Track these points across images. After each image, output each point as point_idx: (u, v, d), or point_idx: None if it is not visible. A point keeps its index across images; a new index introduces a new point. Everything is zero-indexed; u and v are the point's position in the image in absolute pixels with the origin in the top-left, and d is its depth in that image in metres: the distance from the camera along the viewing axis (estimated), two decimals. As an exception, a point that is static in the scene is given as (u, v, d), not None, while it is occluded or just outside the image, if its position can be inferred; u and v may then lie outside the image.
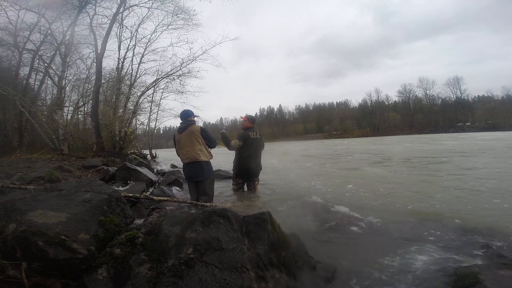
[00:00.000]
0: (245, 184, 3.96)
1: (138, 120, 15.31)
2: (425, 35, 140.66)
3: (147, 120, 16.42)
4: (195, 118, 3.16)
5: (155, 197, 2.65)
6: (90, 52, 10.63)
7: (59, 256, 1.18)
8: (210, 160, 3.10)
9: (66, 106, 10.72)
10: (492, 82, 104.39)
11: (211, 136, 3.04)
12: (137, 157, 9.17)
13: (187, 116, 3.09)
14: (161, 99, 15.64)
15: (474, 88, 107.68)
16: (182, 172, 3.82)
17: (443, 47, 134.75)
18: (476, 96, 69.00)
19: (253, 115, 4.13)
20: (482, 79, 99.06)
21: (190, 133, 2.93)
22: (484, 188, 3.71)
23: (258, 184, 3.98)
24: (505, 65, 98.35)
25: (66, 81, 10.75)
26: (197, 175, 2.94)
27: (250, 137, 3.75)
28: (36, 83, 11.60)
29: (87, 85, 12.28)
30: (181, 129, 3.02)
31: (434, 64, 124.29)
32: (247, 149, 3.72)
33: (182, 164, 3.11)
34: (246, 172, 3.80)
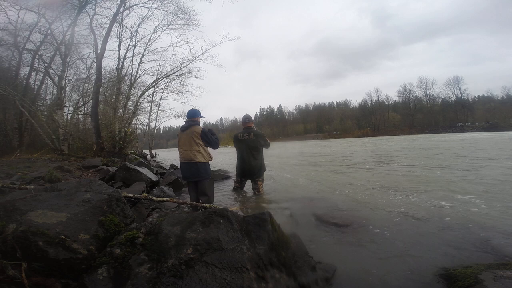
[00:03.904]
0: (245, 182, 4.15)
1: (138, 120, 15.39)
2: (423, 38, 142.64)
3: (147, 120, 16.53)
4: (200, 119, 3.14)
5: (155, 198, 2.65)
6: (90, 52, 10.65)
7: (59, 256, 1.18)
8: (210, 162, 3.08)
9: (66, 106, 10.71)
10: (490, 83, 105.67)
11: (212, 138, 2.95)
12: (137, 157, 9.16)
13: (192, 116, 3.07)
14: (161, 99, 15.79)
15: (472, 89, 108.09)
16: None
17: (441, 48, 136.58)
18: (476, 96, 69.21)
19: (251, 115, 4.28)
20: (480, 80, 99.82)
21: (191, 133, 2.94)
22: (482, 187, 3.71)
23: (262, 184, 4.00)
24: (503, 66, 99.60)
25: (66, 81, 10.73)
26: (193, 175, 2.94)
27: (238, 138, 4.01)
28: (36, 83, 11.59)
29: (87, 85, 12.27)
30: (183, 128, 3.03)
31: (433, 66, 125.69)
32: (238, 150, 4.08)
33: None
34: (240, 172, 4.07)
